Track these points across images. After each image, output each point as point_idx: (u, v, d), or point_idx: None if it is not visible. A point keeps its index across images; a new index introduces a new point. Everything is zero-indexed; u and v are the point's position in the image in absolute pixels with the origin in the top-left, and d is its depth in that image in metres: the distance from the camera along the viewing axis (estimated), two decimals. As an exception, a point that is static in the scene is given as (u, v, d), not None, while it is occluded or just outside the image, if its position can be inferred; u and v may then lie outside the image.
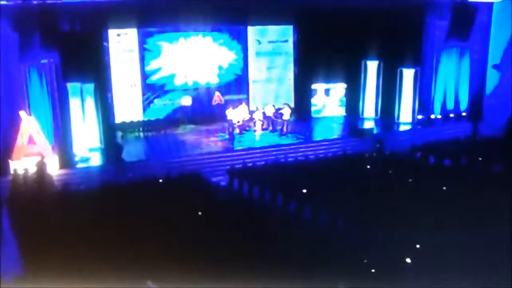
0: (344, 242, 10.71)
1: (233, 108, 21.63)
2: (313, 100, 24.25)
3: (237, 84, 23.74)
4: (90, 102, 19.85)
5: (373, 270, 9.40)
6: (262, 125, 22.05)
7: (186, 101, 23.04)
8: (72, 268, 9.39)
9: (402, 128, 23.66)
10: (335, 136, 22.02)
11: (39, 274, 9.34)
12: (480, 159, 16.68)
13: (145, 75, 22.16)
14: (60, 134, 18.57)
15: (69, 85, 19.22)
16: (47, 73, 18.36)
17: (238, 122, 21.54)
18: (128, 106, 22.03)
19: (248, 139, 21.25)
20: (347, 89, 24.39)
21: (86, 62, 19.32)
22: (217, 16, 21.55)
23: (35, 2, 17.36)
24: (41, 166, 16.38)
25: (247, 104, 22.99)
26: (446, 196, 13.38)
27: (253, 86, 24.03)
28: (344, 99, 24.40)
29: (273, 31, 23.97)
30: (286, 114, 21.89)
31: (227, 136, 21.41)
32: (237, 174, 16.41)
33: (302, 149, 19.92)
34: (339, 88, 24.35)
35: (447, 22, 23.40)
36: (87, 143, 19.57)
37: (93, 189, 15.27)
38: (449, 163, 17.39)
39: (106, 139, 20.25)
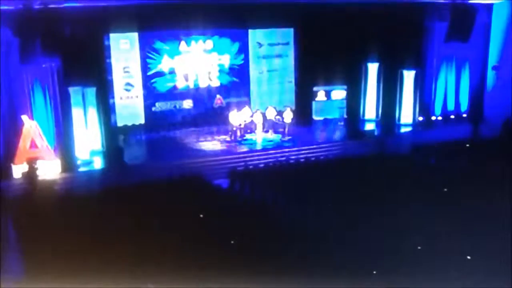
0: (345, 243, 10.74)
1: (236, 111, 21.69)
2: (314, 102, 24.28)
3: (238, 87, 23.75)
4: (91, 105, 19.93)
5: (374, 272, 9.45)
6: (263, 127, 22.12)
7: (187, 104, 23.09)
8: (74, 271, 9.45)
9: (403, 129, 23.71)
10: (336, 138, 22.05)
11: (41, 276, 9.39)
12: (481, 160, 16.70)
13: (146, 79, 22.22)
14: (62, 138, 18.64)
15: (71, 89, 19.28)
16: (49, 77, 18.44)
17: (240, 124, 21.58)
18: (130, 110, 22.08)
19: (249, 142, 21.28)
20: (348, 91, 24.39)
21: (87, 66, 19.40)
22: (218, 19, 21.58)
23: (36, 6, 17.41)
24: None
25: (249, 106, 23.00)
26: (447, 197, 13.41)
27: (254, 89, 24.08)
28: (345, 101, 24.42)
29: (274, 33, 24.00)
30: (288, 116, 21.95)
31: (228, 139, 21.48)
32: (238, 176, 16.46)
33: (303, 151, 19.95)
34: (340, 90, 24.37)
35: (447, 24, 23.43)
36: (89, 147, 19.62)
37: (95, 192, 15.32)
38: (449, 164, 17.43)
39: (108, 142, 20.30)
